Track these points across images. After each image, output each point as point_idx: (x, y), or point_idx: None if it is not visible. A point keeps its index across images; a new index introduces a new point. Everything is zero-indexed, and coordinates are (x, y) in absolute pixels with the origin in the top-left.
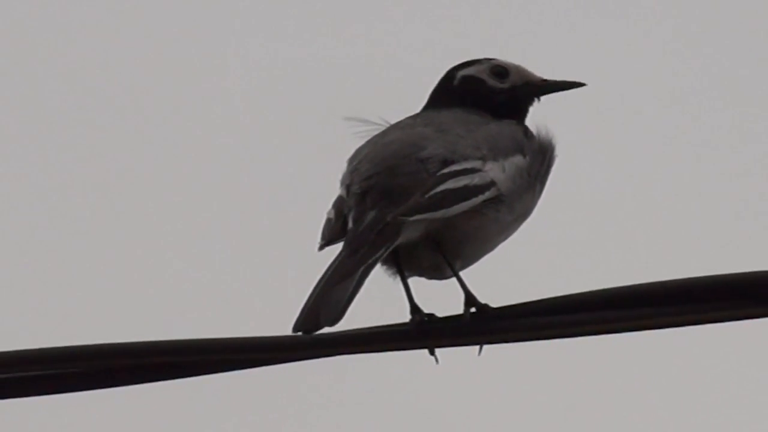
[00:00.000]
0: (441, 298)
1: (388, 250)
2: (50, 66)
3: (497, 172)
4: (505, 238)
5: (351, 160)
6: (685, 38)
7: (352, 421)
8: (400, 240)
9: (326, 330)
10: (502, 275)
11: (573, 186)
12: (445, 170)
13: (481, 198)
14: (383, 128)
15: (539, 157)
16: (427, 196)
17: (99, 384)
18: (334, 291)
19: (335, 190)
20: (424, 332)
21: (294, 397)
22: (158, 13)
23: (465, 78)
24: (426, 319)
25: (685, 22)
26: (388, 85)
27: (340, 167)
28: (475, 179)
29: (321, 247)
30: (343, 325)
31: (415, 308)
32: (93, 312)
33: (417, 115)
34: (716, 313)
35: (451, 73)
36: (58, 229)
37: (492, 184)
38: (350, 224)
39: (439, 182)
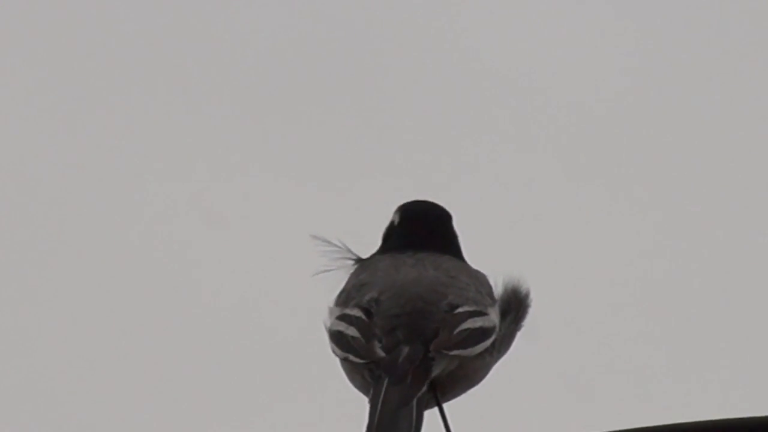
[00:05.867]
0: None
1: (427, 385)
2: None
3: (495, 317)
4: None
5: (358, 286)
6: None
7: None
8: (431, 376)
9: None
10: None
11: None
12: (461, 310)
13: (490, 340)
14: (347, 254)
15: (515, 306)
16: (454, 332)
17: None
18: (398, 418)
19: (324, 306)
20: None
21: None
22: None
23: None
24: None
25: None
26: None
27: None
28: (486, 321)
29: (360, 364)
30: None
31: None
32: None
33: (406, 255)
34: None
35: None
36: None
37: (495, 328)
38: (379, 353)
39: (460, 321)
